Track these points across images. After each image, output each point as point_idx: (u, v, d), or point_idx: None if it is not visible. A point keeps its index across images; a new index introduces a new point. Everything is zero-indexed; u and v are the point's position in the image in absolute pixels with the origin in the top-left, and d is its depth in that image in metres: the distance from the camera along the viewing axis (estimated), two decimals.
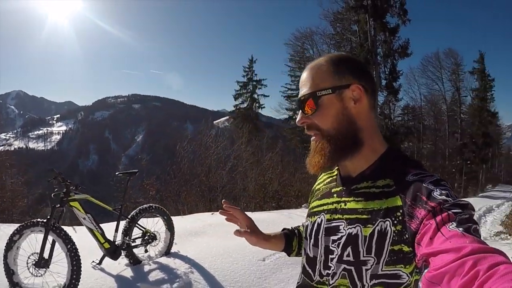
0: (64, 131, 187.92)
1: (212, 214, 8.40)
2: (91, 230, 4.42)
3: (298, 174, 15.98)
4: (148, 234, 5.14)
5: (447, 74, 41.12)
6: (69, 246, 3.95)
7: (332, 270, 1.12)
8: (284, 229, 1.59)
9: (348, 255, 1.08)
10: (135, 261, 4.84)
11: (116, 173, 5.94)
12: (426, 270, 0.85)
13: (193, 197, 12.34)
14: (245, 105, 37.81)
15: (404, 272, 1.00)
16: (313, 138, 1.16)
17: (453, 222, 0.84)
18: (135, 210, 5.07)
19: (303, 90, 1.16)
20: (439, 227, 0.85)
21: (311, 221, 1.26)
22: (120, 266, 4.77)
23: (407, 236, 0.96)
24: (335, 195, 1.20)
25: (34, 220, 4.04)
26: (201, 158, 14.15)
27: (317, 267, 1.18)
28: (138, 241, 5.05)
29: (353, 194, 1.13)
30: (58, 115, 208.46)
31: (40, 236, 3.99)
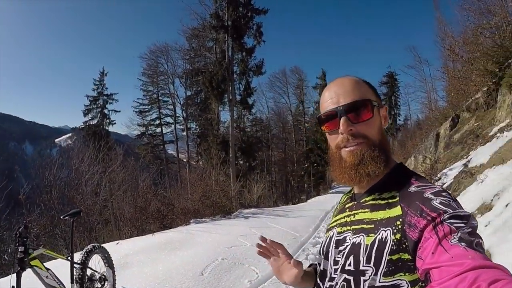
0: None
1: (118, 243, 8.19)
2: None
3: (177, 191, 16.16)
4: (99, 276, 4.84)
5: (292, 88, 45.91)
6: None
7: (335, 281, 1.16)
8: (311, 265, 1.54)
9: (349, 264, 1.11)
10: None
11: (61, 217, 5.10)
12: (427, 285, 0.90)
13: (69, 230, 11.21)
14: (95, 121, 36.17)
15: (403, 280, 1.01)
16: (352, 148, 1.16)
17: (454, 236, 0.87)
18: (82, 254, 4.65)
19: (349, 98, 1.17)
20: (440, 241, 0.88)
21: (326, 237, 1.32)
22: None
23: (406, 244, 0.99)
24: (347, 210, 1.28)
25: None
26: (74, 184, 13.33)
27: (326, 279, 1.22)
28: (96, 287, 4.75)
29: (361, 207, 1.20)
30: None
31: None
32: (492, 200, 5.55)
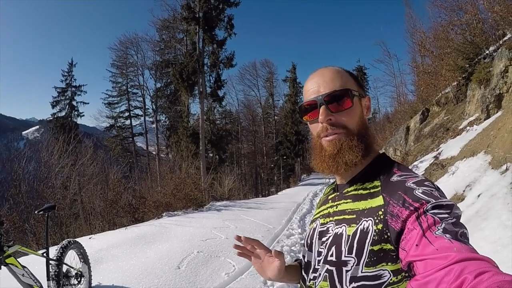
0: None
1: (90, 238, 8.08)
2: (29, 286, 3.74)
3: (147, 184, 16.04)
4: (76, 272, 4.75)
5: (262, 81, 45.93)
6: None
7: (318, 272, 1.16)
8: (296, 259, 1.54)
9: (331, 255, 1.11)
10: None
11: (35, 212, 4.91)
12: (411, 278, 0.89)
13: (38, 226, 10.92)
14: (63, 113, 35.38)
15: (385, 270, 1.00)
16: (331, 137, 1.17)
17: (438, 228, 0.86)
18: (57, 250, 4.50)
19: (329, 87, 1.18)
20: (424, 233, 0.87)
21: (310, 228, 1.33)
22: None
23: (388, 235, 0.98)
24: (330, 201, 1.28)
25: None
26: (44, 178, 13.08)
27: (310, 270, 1.22)
28: (73, 283, 4.65)
29: (343, 197, 1.20)
30: None
31: None
32: (464, 191, 5.87)
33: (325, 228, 1.22)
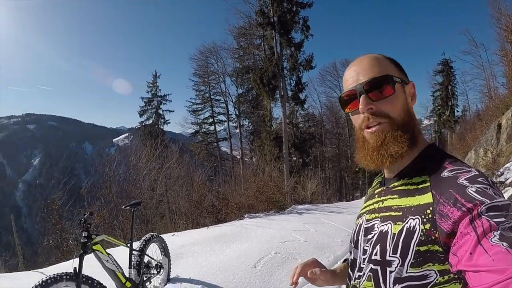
0: None
1: (173, 235, 8.41)
2: (112, 272, 4.13)
3: (231, 187, 16.35)
4: (156, 263, 5.07)
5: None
6: None
7: (363, 271, 1.12)
8: (345, 260, 1.51)
9: (376, 254, 1.07)
10: None
11: (123, 207, 5.77)
12: (460, 280, 0.90)
13: (126, 222, 11.79)
14: (150, 121, 37.24)
15: (432, 270, 0.95)
16: (374, 129, 1.10)
17: (495, 234, 0.79)
18: (141, 242, 4.92)
19: (368, 75, 1.11)
20: (479, 240, 0.80)
21: (356, 224, 1.28)
22: None
23: (437, 236, 0.92)
24: (376, 196, 1.22)
25: (56, 275, 3.31)
26: (132, 180, 13.95)
27: (356, 269, 1.18)
28: (153, 273, 4.97)
29: (389, 193, 1.14)
30: None
31: None
32: None
33: (370, 225, 1.18)
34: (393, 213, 1.07)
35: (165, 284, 5.15)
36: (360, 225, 1.23)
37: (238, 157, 37.28)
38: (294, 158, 30.26)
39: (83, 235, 3.76)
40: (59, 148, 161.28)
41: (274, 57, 26.02)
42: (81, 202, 12.28)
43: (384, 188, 1.19)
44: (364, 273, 1.11)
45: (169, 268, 5.36)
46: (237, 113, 36.07)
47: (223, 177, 24.34)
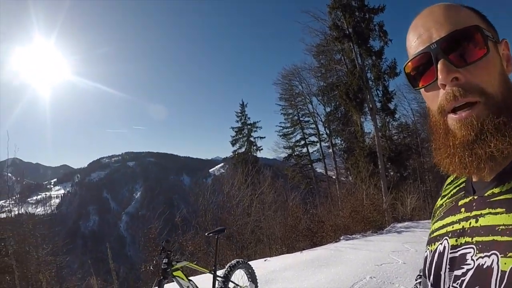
0: (62, 195, 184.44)
1: (265, 260, 8.41)
2: None
3: (327, 208, 16.04)
4: None
5: None
6: None
7: None
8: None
9: None
10: None
11: (206, 234, 5.91)
12: None
13: (223, 248, 12.23)
14: (242, 149, 37.86)
15: None
16: (464, 114, 0.73)
17: None
18: (226, 268, 4.97)
19: (445, 28, 0.75)
20: None
21: (431, 250, 0.88)
22: None
23: None
24: (463, 210, 0.81)
25: None
26: (226, 207, 14.32)
27: None
28: None
29: (487, 205, 0.74)
30: (55, 179, 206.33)
31: None
32: None
33: (458, 254, 0.77)
34: (498, 238, 0.67)
35: None
36: (441, 253, 0.83)
37: (334, 177, 36.57)
38: (391, 173, 28.99)
39: (164, 261, 3.99)
40: (158, 181, 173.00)
41: (357, 69, 25.30)
42: (177, 231, 12.87)
43: (475, 197, 0.78)
44: None
45: None
46: (328, 132, 35.49)
47: (319, 198, 24.00)
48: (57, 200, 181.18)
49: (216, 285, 4.69)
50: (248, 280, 5.32)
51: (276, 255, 10.55)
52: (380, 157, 24.50)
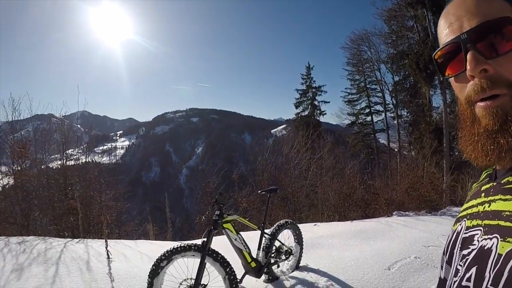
0: (127, 146, 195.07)
1: (315, 225, 8.52)
2: (239, 250, 4.44)
3: (384, 181, 15.75)
4: (286, 249, 5.20)
5: None
6: (227, 269, 3.97)
7: None
8: None
9: (468, 279, 0.74)
10: (273, 278, 4.93)
11: (259, 191, 6.08)
12: None
13: (276, 208, 12.41)
14: (306, 112, 37.55)
15: None
16: (490, 103, 0.75)
17: None
18: (274, 227, 5.11)
19: (476, 19, 0.77)
20: None
21: (453, 230, 0.93)
22: (260, 283, 4.89)
23: None
24: (482, 195, 0.85)
25: (186, 245, 3.91)
26: (284, 169, 14.47)
27: None
28: (281, 258, 5.14)
29: (500, 191, 0.78)
30: (121, 131, 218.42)
31: (191, 260, 3.96)
32: None
33: (469, 235, 0.81)
34: (502, 223, 0.71)
35: (293, 271, 5.24)
36: (458, 233, 0.88)
37: (396, 150, 35.59)
38: (456, 153, 27.77)
39: (216, 213, 4.19)
40: (220, 138, 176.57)
41: (429, 38, 23.82)
42: (233, 187, 13.22)
43: (494, 183, 0.82)
44: None
45: (300, 256, 5.44)
46: (394, 102, 34.38)
47: (378, 170, 23.57)
48: (122, 151, 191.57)
49: (263, 242, 4.87)
50: (295, 241, 5.44)
51: (327, 221, 10.61)
52: (446, 134, 23.40)
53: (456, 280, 0.78)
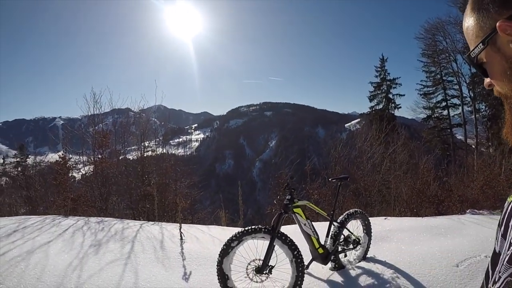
0: (201, 139, 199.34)
1: (385, 219, 8.58)
2: (308, 236, 4.57)
3: (459, 178, 15.37)
4: (354, 239, 5.25)
5: None
6: (295, 252, 4.10)
7: (500, 274, 0.75)
8: None
9: None
10: (339, 266, 4.99)
11: (330, 179, 6.29)
12: None
13: (347, 202, 12.48)
14: (380, 106, 36.55)
15: None
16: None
17: None
18: (343, 215, 5.18)
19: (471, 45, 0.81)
20: None
21: (509, 202, 0.85)
22: (326, 270, 4.97)
23: None
24: None
25: (256, 227, 4.12)
26: (357, 162, 14.59)
27: (496, 268, 0.80)
28: (349, 247, 5.20)
29: None
30: (196, 125, 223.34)
31: (260, 242, 4.18)
32: None
33: None
34: None
35: (359, 261, 5.29)
36: None
37: (473, 146, 33.83)
38: None
39: (287, 197, 4.43)
40: (293, 131, 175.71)
41: None
42: (306, 179, 13.31)
43: None
44: (499, 278, 0.75)
45: (368, 246, 5.44)
46: (471, 95, 32.38)
47: (454, 167, 22.75)
48: (196, 144, 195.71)
49: (331, 229, 5.00)
50: (363, 231, 5.46)
51: (398, 216, 10.54)
52: None
53: (509, 254, 0.74)
